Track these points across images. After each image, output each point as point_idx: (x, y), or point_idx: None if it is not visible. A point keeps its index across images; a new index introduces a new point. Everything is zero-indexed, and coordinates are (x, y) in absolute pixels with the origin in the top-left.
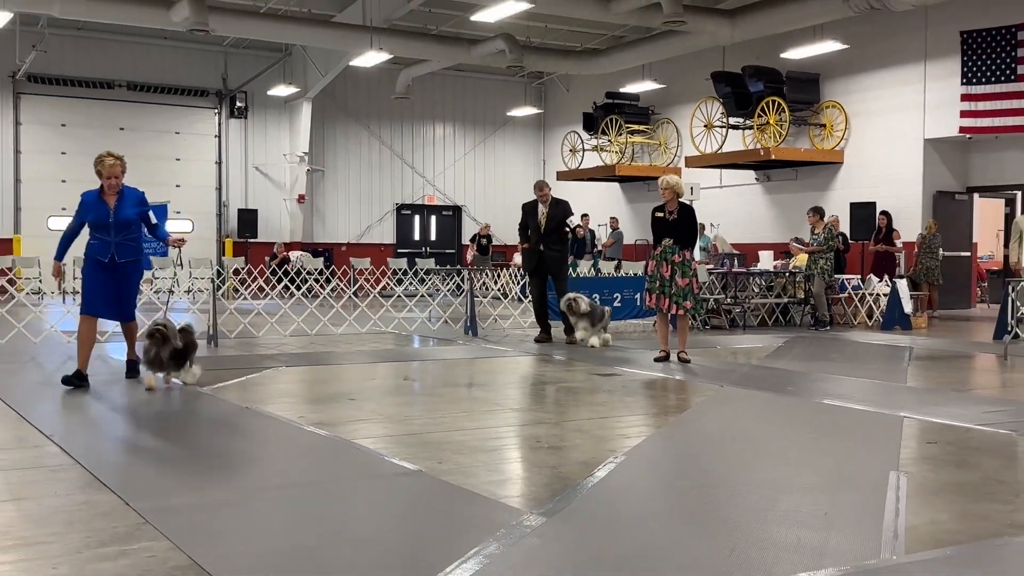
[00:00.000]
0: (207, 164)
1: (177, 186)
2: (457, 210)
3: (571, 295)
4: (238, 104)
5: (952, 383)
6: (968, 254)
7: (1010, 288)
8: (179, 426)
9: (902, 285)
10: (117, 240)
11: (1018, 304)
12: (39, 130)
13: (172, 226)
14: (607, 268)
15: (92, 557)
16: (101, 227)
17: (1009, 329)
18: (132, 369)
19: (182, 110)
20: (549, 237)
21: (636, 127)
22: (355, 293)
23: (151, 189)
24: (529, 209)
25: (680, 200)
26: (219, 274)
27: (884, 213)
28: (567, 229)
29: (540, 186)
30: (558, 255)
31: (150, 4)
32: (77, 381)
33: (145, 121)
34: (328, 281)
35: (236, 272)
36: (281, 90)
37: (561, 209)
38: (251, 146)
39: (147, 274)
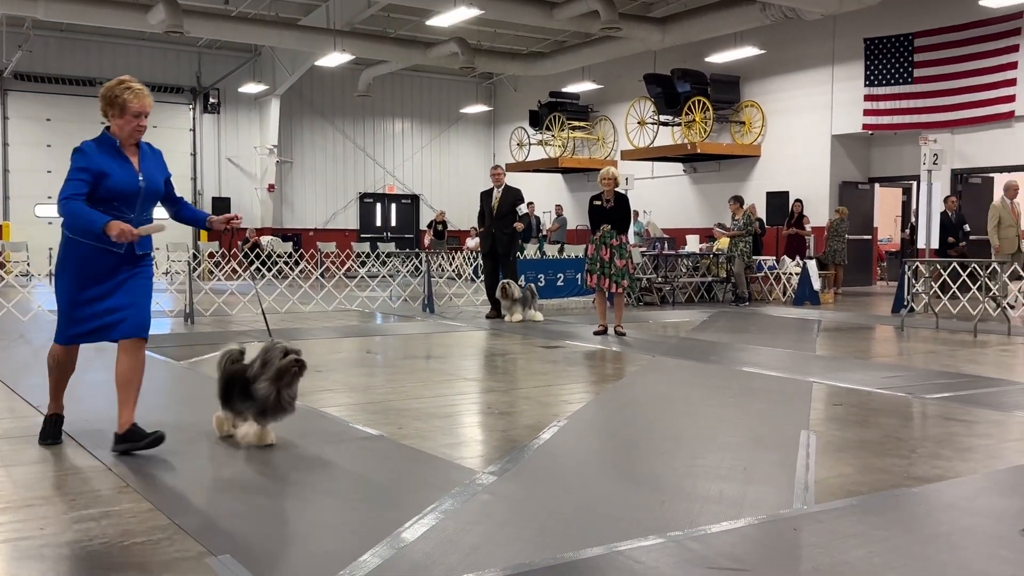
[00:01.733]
0: (183, 155)
1: None
2: (415, 198)
3: (505, 282)
4: (211, 100)
5: (855, 352)
6: (869, 237)
7: (906, 267)
8: (159, 397)
9: (812, 265)
10: (141, 220)
11: (913, 281)
12: (25, 124)
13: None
14: (551, 251)
15: (77, 518)
16: (122, 197)
17: (905, 304)
18: (124, 439)
19: (159, 105)
20: (501, 221)
21: (577, 123)
22: (322, 274)
23: None
24: (484, 194)
25: (616, 190)
26: (195, 257)
27: (798, 200)
28: (517, 215)
29: (494, 169)
30: (507, 238)
31: (128, 7)
32: (53, 433)
33: None
34: (297, 263)
35: (211, 255)
36: (251, 87)
37: (512, 196)
38: (224, 139)
39: None
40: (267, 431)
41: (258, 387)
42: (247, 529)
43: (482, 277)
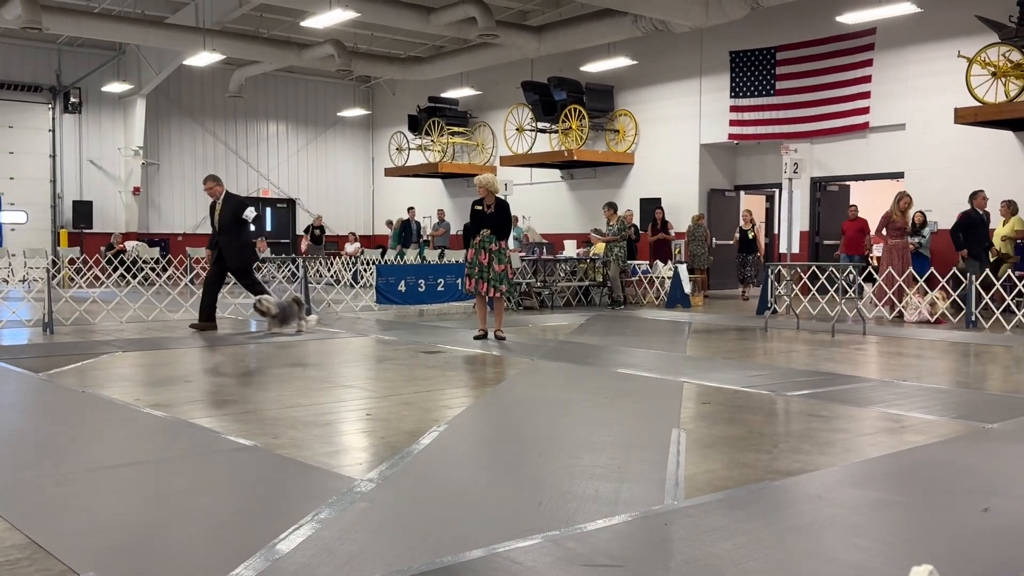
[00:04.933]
0: (41, 157)
1: (11, 178)
2: (291, 203)
3: (259, 298)
4: (72, 100)
5: (723, 352)
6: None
7: (769, 271)
8: (15, 410)
9: (682, 269)
10: None
11: (775, 285)
12: None
13: (6, 217)
14: (432, 256)
15: None
16: None
17: (768, 306)
18: None
19: (15, 104)
20: (227, 234)
21: (456, 129)
22: (191, 281)
23: None
24: (212, 208)
25: (496, 196)
26: (54, 264)
27: (659, 207)
28: (247, 222)
29: (205, 182)
30: (237, 251)
31: None
32: None
33: None
34: (164, 270)
35: (71, 261)
36: (115, 87)
37: (233, 205)
38: (86, 140)
39: None
40: None
41: None
42: (112, 545)
43: (363, 281)
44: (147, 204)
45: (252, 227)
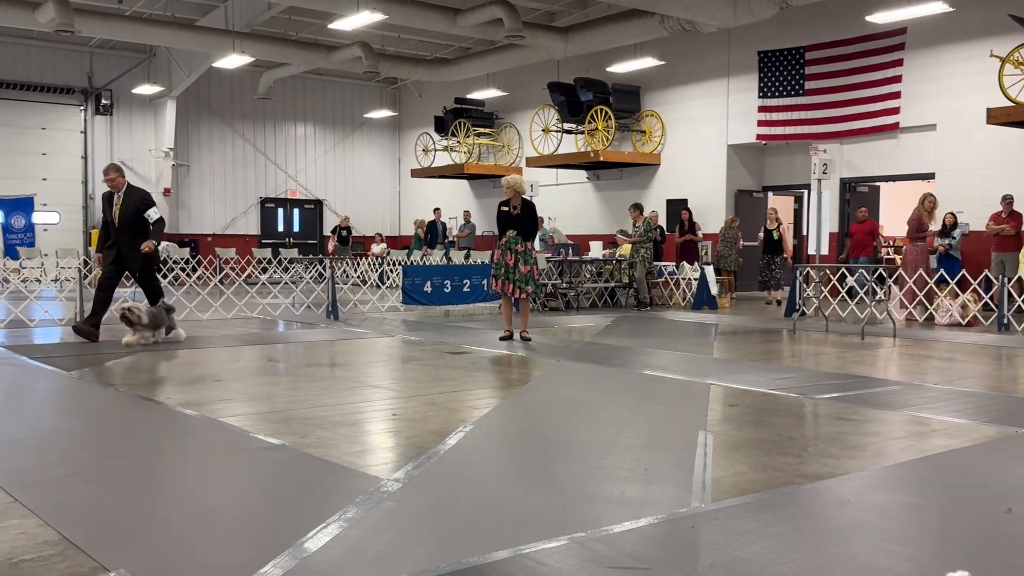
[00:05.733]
0: (73, 159)
1: (44, 179)
2: (319, 203)
3: (125, 307)
4: (103, 101)
5: (750, 355)
6: (796, 242)
7: (797, 272)
8: (47, 408)
9: (709, 271)
10: None
11: (804, 286)
12: None
13: (39, 217)
14: (457, 257)
15: None
16: None
17: (797, 308)
18: None
19: (48, 107)
20: (126, 232)
21: (482, 130)
22: (221, 281)
23: (17, 182)
24: (105, 199)
25: (522, 196)
26: (85, 264)
27: (686, 208)
28: (148, 223)
29: (106, 173)
30: (133, 250)
31: (16, 5)
32: None
33: (11, 117)
34: (194, 270)
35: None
36: (146, 89)
37: (136, 199)
38: (117, 141)
39: (14, 264)
40: None
41: None
42: (142, 542)
43: (389, 281)
44: (177, 205)
45: (151, 228)
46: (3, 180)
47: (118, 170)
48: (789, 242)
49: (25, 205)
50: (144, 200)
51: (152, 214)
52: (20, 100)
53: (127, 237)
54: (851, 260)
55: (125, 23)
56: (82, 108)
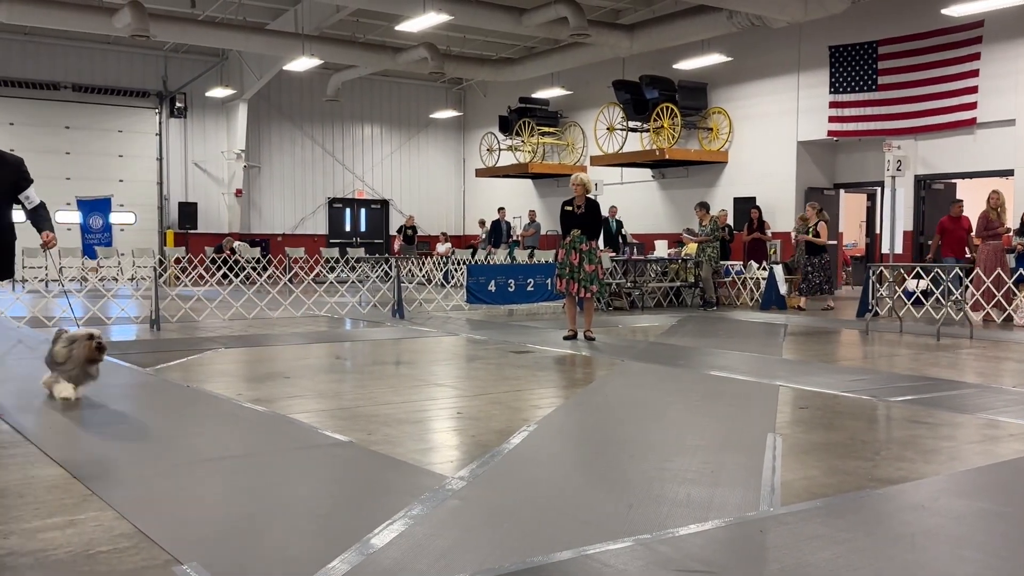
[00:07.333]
0: (149, 160)
1: (120, 181)
2: (385, 203)
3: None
4: (178, 104)
5: (821, 355)
6: (835, 242)
7: (870, 272)
8: (123, 404)
9: (778, 270)
10: None
11: (877, 286)
12: None
13: (116, 218)
14: (521, 256)
15: (41, 527)
16: None
17: (870, 308)
18: None
19: (124, 110)
20: None
21: (546, 129)
22: (290, 280)
23: (95, 184)
24: None
25: (587, 196)
26: (161, 263)
27: (755, 207)
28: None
29: None
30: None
31: (93, 11)
32: None
33: (89, 120)
34: (265, 269)
35: (177, 261)
36: (218, 92)
37: (13, 172)
38: (190, 143)
39: (92, 263)
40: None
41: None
42: (214, 536)
43: (453, 280)
44: (248, 205)
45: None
46: (82, 181)
47: None
48: (825, 238)
49: (103, 206)
50: (22, 175)
51: (31, 199)
52: (98, 103)
53: None
54: (942, 260)
55: (198, 27)
56: (157, 111)
